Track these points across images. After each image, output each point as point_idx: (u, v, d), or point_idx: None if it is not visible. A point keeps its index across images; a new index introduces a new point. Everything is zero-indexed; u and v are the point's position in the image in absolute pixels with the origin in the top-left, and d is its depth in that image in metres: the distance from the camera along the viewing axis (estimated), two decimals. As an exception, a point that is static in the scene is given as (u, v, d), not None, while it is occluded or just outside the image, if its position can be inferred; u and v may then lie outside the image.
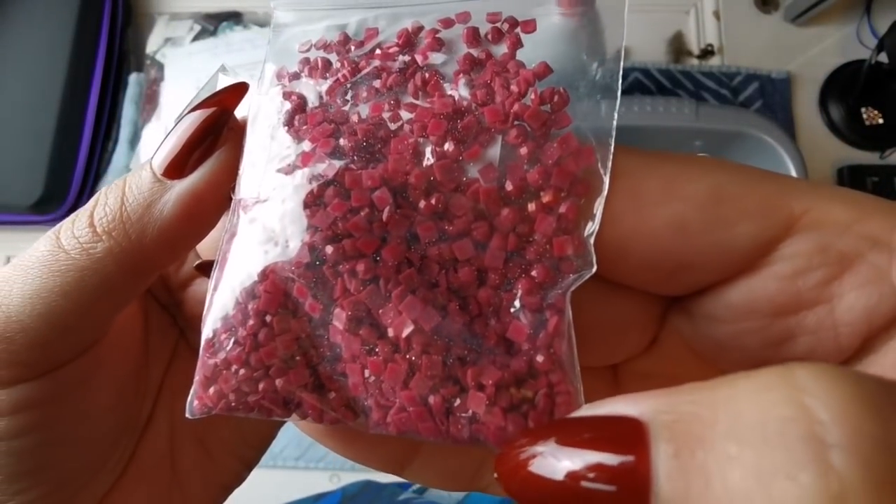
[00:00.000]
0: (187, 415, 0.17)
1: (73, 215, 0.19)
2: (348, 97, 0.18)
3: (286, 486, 0.56)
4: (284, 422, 0.19)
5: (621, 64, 0.16)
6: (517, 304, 0.16)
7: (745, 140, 0.59)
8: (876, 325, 0.15)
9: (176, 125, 0.19)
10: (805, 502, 0.09)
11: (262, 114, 0.19)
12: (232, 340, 0.17)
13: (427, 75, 0.17)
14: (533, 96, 0.16)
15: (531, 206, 0.16)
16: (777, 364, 0.11)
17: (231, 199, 0.18)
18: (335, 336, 0.16)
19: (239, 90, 0.19)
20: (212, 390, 0.17)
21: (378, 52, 0.18)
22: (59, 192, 0.65)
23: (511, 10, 0.17)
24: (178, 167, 0.18)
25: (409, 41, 0.18)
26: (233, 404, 0.17)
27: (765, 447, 0.09)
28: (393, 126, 0.17)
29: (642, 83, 0.66)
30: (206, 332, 0.17)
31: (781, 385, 0.10)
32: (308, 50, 0.19)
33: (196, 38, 0.72)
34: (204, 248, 0.23)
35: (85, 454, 0.21)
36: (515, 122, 0.16)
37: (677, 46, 0.70)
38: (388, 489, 0.42)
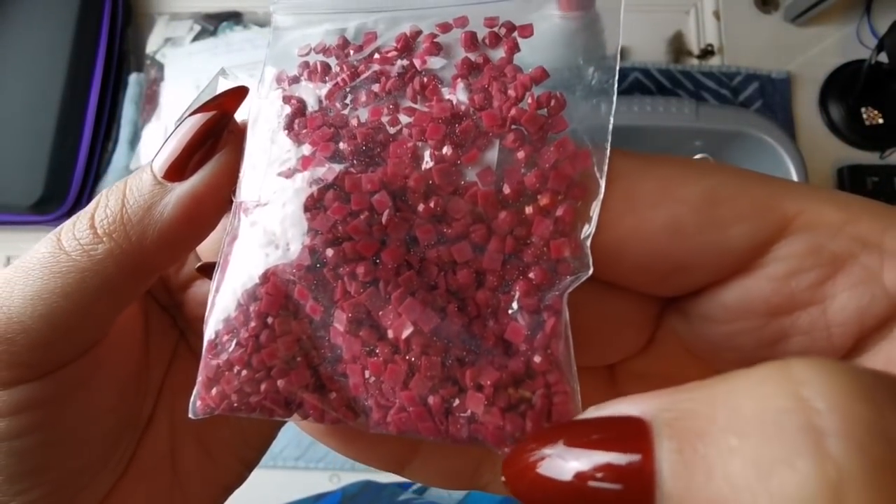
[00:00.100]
0: (190, 415, 0.17)
1: (74, 217, 0.19)
2: (347, 101, 0.18)
3: (286, 486, 0.56)
4: (285, 422, 0.20)
5: (617, 68, 0.16)
6: (515, 305, 0.16)
7: (745, 140, 0.59)
8: (868, 325, 0.15)
9: (176, 128, 0.19)
10: (803, 489, 0.09)
11: (262, 117, 0.19)
12: (234, 342, 0.17)
13: (425, 79, 0.17)
14: (530, 100, 0.16)
15: (528, 209, 0.16)
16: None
17: (232, 201, 0.18)
18: (336, 337, 0.16)
19: (239, 94, 0.19)
20: (214, 391, 0.17)
21: (377, 56, 0.18)
22: (59, 192, 0.65)
23: (508, 15, 0.18)
24: (178, 170, 0.18)
25: (407, 45, 0.18)
26: (235, 405, 0.17)
27: (763, 438, 0.10)
28: (392, 130, 0.17)
29: (642, 83, 0.67)
30: (209, 333, 0.17)
31: (778, 378, 0.10)
32: (307, 54, 0.19)
33: (196, 38, 0.72)
34: (204, 249, 0.23)
35: (86, 454, 0.21)
36: (513, 127, 0.16)
37: (677, 46, 0.70)
38: (388, 489, 0.42)
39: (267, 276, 0.17)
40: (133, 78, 0.71)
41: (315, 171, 0.17)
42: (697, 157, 0.61)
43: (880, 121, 0.64)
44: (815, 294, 0.15)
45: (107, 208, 0.18)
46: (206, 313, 0.17)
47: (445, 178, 0.16)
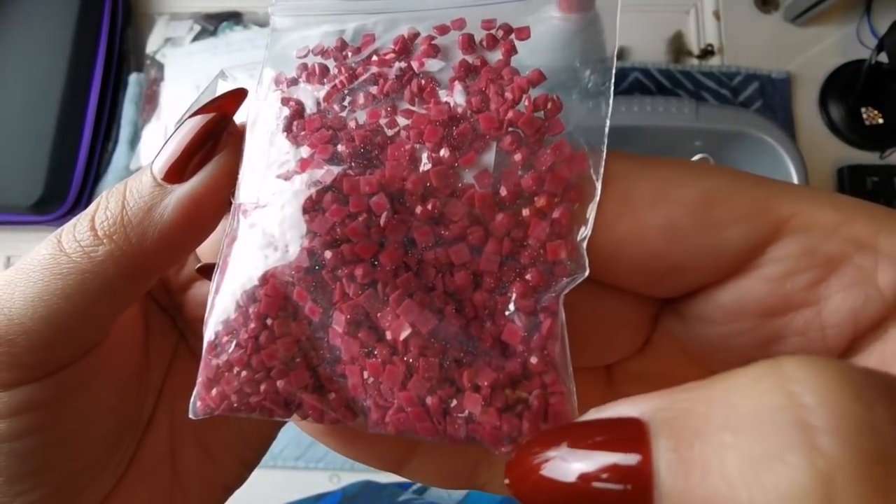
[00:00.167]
0: (190, 415, 0.17)
1: (74, 219, 0.19)
2: (346, 103, 0.18)
3: (286, 486, 0.56)
4: (285, 422, 0.20)
5: (613, 70, 0.16)
6: (512, 307, 0.16)
7: (745, 140, 0.59)
8: (862, 326, 0.15)
9: (176, 130, 0.19)
10: (795, 483, 0.09)
11: (261, 119, 0.19)
12: (234, 343, 0.17)
13: (423, 82, 0.17)
14: (527, 103, 0.17)
15: (525, 212, 0.16)
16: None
17: (231, 203, 0.18)
18: (335, 339, 0.17)
19: (238, 95, 0.20)
20: (214, 391, 0.17)
21: (375, 58, 0.18)
22: (59, 193, 0.65)
23: (506, 17, 0.18)
24: (178, 171, 0.18)
25: (405, 48, 0.18)
26: (235, 405, 0.17)
27: (757, 434, 0.10)
28: (390, 132, 0.17)
29: (642, 83, 0.67)
30: (209, 334, 0.17)
31: (771, 376, 0.10)
32: (306, 56, 0.19)
33: (196, 39, 0.72)
34: (204, 251, 0.23)
35: (86, 455, 0.21)
36: (510, 129, 0.16)
37: (677, 46, 0.70)
38: (388, 489, 0.42)
39: (266, 278, 0.17)
40: (133, 78, 0.71)
41: (313, 173, 0.17)
42: (697, 157, 0.61)
43: (880, 121, 0.64)
44: (809, 295, 0.16)
45: (107, 210, 0.19)
46: (206, 314, 0.18)
47: (443, 180, 0.16)
